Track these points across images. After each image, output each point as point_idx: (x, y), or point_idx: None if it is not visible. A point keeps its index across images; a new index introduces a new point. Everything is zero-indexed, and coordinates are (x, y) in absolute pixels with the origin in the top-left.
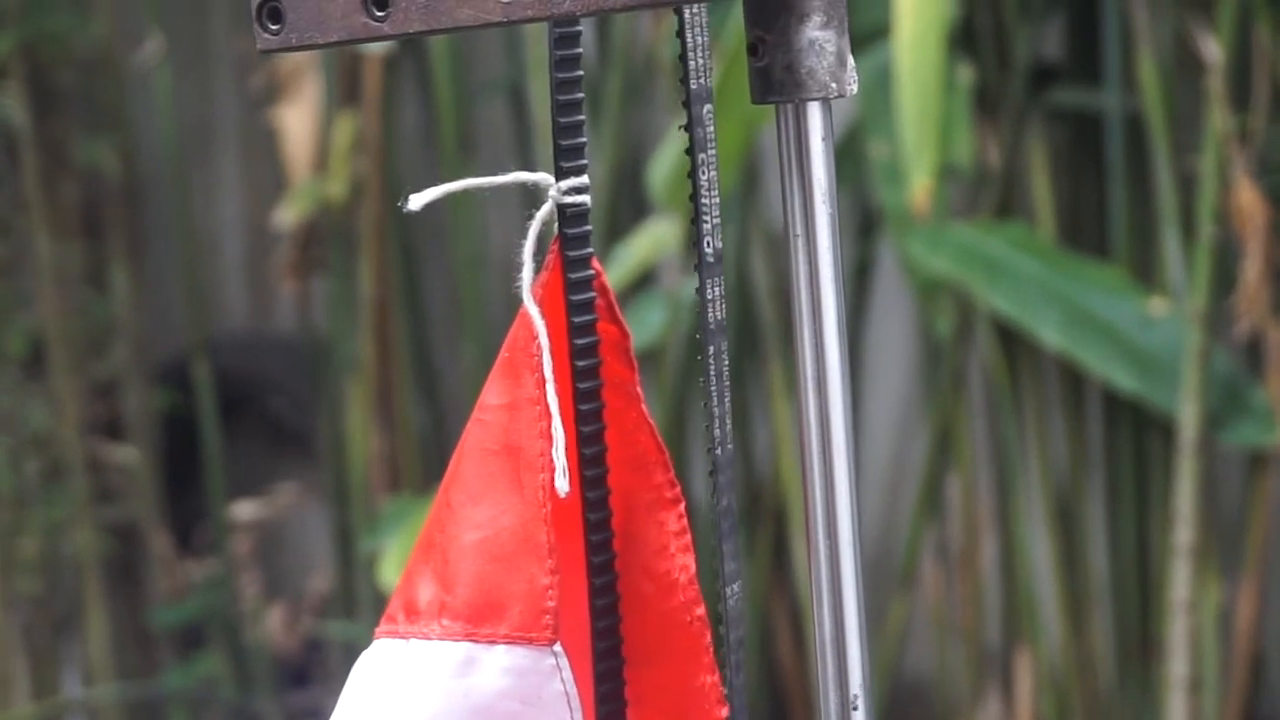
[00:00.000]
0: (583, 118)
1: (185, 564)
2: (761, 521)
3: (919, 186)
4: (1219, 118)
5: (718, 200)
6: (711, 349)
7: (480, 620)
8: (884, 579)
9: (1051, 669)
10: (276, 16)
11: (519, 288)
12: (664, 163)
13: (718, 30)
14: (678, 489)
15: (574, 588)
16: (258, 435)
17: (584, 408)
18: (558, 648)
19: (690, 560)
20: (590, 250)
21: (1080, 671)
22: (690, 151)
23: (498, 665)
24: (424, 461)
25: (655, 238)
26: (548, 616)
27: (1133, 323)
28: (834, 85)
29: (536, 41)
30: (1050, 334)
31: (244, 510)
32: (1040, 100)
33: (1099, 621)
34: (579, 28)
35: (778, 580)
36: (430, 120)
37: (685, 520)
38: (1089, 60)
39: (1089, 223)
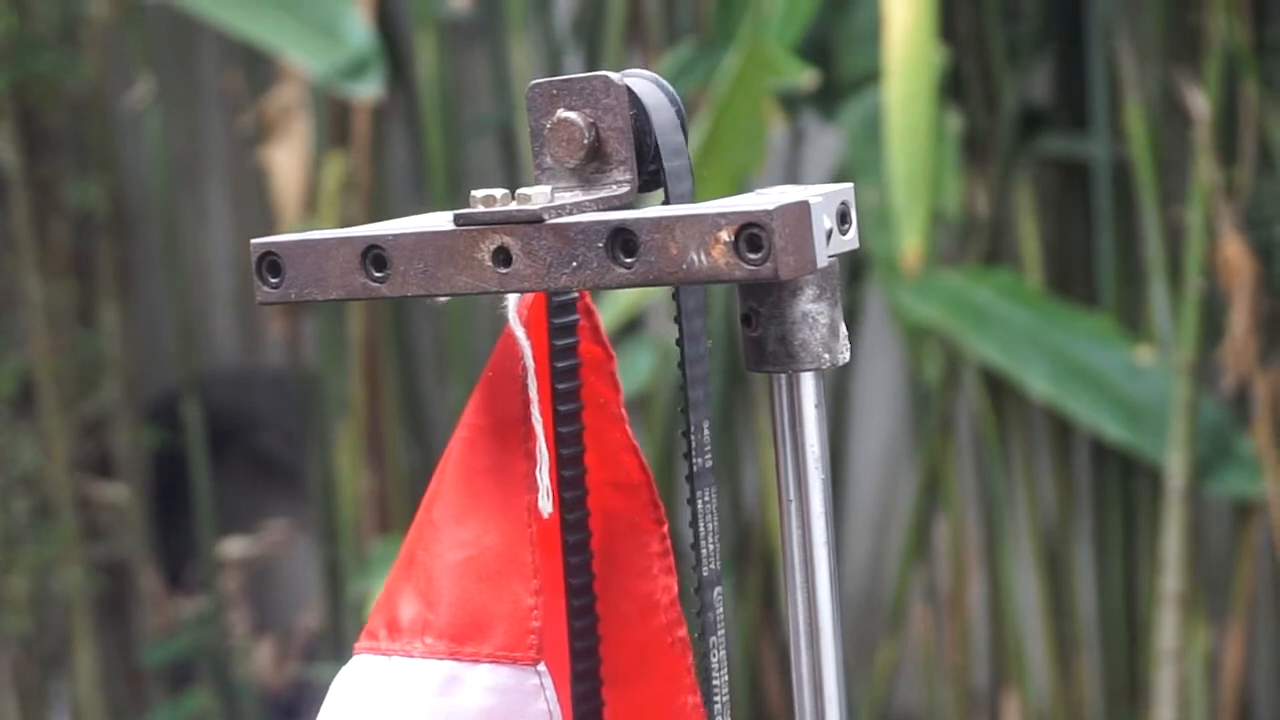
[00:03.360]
0: None
1: (175, 601)
2: (751, 563)
3: (909, 246)
4: (1206, 171)
5: (727, 678)
6: None
7: (464, 639)
8: (873, 620)
9: (1039, 711)
10: (276, 270)
11: (504, 308)
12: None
13: (707, 76)
14: (661, 510)
15: (558, 608)
16: (247, 472)
17: (564, 429)
18: (542, 667)
19: (673, 581)
20: None
21: (1068, 714)
22: (702, 635)
23: (481, 684)
24: (413, 502)
25: None
26: (532, 636)
27: (1120, 372)
28: (826, 356)
29: (524, 80)
30: (1038, 383)
31: (234, 547)
32: (1028, 147)
33: (1087, 665)
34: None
35: (767, 621)
36: (420, 160)
37: (668, 542)
38: (1077, 106)
39: (1076, 270)
